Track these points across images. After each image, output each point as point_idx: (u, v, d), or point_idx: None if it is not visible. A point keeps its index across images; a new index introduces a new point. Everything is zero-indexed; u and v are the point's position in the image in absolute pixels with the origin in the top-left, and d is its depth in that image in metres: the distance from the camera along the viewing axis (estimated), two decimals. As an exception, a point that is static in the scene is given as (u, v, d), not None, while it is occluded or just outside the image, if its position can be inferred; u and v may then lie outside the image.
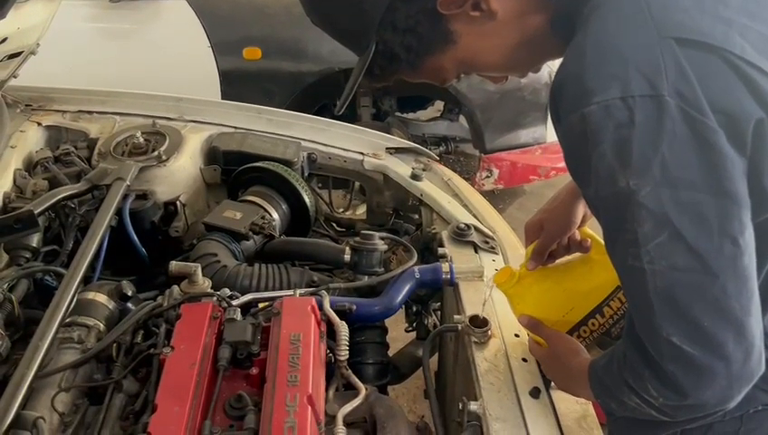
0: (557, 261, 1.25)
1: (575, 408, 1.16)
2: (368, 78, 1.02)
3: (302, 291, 1.38)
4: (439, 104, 3.96)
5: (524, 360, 1.24)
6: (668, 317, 0.80)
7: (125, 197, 1.65)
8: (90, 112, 2.12)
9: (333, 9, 1.00)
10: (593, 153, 0.80)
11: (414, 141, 2.16)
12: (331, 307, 1.29)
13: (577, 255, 1.24)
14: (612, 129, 0.77)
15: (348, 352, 1.23)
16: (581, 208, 1.20)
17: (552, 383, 1.18)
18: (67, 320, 1.27)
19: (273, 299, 1.29)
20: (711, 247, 0.77)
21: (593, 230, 1.23)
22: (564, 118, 0.84)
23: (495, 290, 1.28)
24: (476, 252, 1.58)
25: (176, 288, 1.34)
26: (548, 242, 1.22)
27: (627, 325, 0.90)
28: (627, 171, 0.77)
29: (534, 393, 1.15)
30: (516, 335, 1.29)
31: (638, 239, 0.79)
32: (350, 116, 3.44)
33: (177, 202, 1.81)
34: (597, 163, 0.80)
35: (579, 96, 0.80)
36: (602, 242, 1.20)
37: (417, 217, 1.92)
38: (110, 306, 1.35)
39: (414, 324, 1.74)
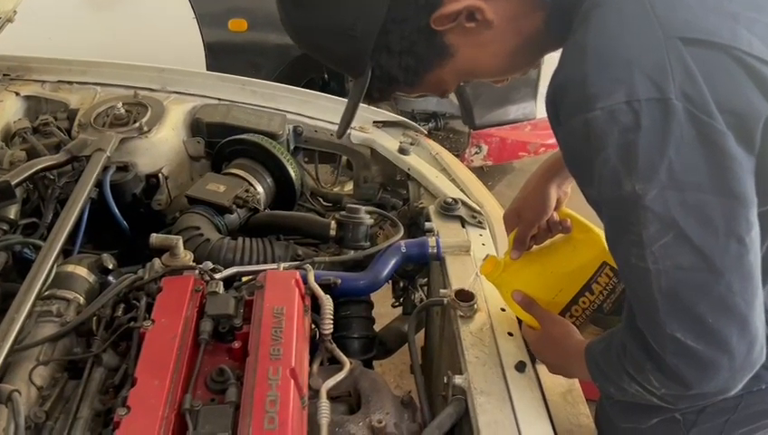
0: (540, 244, 1.24)
1: (560, 382, 1.16)
2: (367, 101, 0.99)
3: (287, 264, 1.37)
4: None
5: (510, 334, 1.23)
6: (673, 314, 0.79)
7: (105, 168, 1.62)
8: (70, 83, 2.07)
9: (323, 39, 0.95)
10: (597, 157, 0.78)
11: (403, 117, 2.13)
12: (316, 281, 1.28)
13: (559, 236, 1.23)
14: (617, 133, 0.75)
15: (332, 326, 1.22)
16: (554, 192, 1.19)
17: (538, 359, 1.18)
18: (46, 293, 1.24)
19: (256, 273, 1.27)
20: (717, 247, 0.76)
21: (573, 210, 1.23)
22: (566, 121, 0.82)
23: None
24: (464, 226, 1.57)
25: (156, 261, 1.32)
26: (527, 229, 1.21)
27: (626, 317, 0.89)
28: (632, 175, 0.76)
29: (520, 367, 1.14)
30: (502, 309, 1.28)
31: (643, 241, 0.78)
32: (339, 90, 3.39)
33: (160, 174, 1.78)
34: (601, 167, 0.78)
35: (582, 100, 0.78)
36: (583, 220, 1.20)
37: (404, 191, 1.91)
38: (91, 279, 1.33)
39: (401, 300, 1.73)
